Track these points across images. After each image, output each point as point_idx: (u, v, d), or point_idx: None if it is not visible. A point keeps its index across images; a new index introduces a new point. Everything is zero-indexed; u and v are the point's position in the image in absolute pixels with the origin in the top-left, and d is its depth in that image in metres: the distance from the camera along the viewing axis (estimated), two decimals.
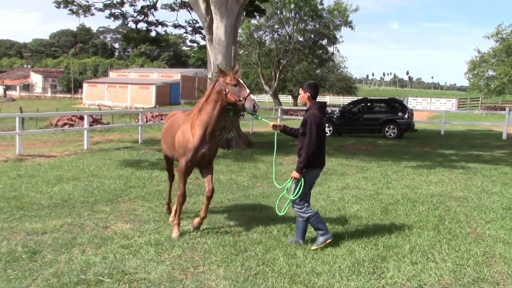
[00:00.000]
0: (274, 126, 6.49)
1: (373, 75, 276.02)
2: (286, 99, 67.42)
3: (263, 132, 24.92)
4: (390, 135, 22.72)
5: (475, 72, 61.65)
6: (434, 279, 5.11)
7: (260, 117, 6.88)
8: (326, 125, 23.74)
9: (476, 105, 63.18)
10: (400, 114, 23.02)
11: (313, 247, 5.98)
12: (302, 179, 6.04)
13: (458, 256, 5.80)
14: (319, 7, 38.55)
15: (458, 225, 7.25)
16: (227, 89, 6.41)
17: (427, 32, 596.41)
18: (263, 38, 42.47)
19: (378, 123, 23.03)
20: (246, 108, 6.31)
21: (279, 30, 40.93)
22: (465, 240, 6.52)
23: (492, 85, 59.11)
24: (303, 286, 4.82)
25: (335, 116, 23.81)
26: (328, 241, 6.02)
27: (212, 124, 6.59)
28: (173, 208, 7.16)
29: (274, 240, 6.31)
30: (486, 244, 6.37)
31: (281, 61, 41.88)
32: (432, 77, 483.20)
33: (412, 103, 64.09)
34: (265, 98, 65.93)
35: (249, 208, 8.12)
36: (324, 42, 40.99)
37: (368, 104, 24.57)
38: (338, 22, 39.31)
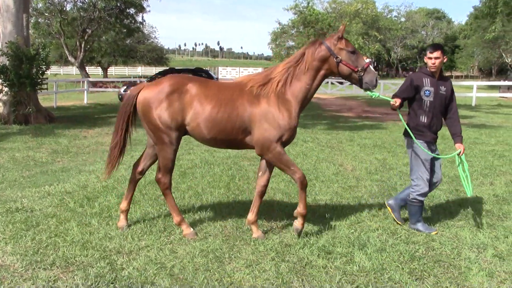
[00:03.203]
0: (396, 102, 5.50)
1: (185, 45, 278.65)
2: (95, 70, 64.65)
3: (69, 106, 23.77)
4: None
5: (277, 42, 66.17)
6: (219, 230, 5.68)
7: (377, 95, 5.57)
8: None
9: None
10: None
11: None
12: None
13: (242, 208, 6.48)
14: None
15: (246, 181, 8.03)
16: (339, 56, 5.18)
17: (236, 4, 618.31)
18: (65, 5, 39.81)
19: None
20: (365, 83, 5.16)
21: None
22: (251, 194, 7.27)
23: (292, 54, 64.30)
24: (95, 251, 4.97)
25: None
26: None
27: (309, 98, 5.36)
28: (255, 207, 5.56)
29: (70, 212, 6.28)
30: (268, 196, 7.20)
31: (86, 30, 39.84)
32: (241, 47, 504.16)
33: (222, 72, 66.66)
34: (72, 70, 62.37)
35: (45, 183, 7.88)
36: (132, 11, 40.04)
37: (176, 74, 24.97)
38: None
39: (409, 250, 5.06)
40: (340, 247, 5.13)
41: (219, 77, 44.90)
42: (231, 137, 5.27)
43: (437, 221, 6.06)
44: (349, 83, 5.86)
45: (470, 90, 28.34)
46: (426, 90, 5.53)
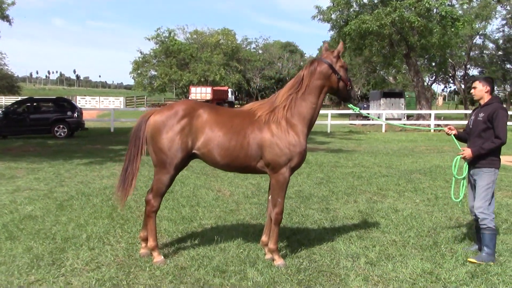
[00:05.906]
0: (450, 129, 6.10)
1: (37, 73, 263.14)
2: None
3: None
4: (60, 134, 22.55)
5: (139, 71, 65.74)
6: (110, 259, 5.66)
7: (358, 109, 5.86)
8: None
9: (142, 102, 67.42)
10: (69, 113, 23.09)
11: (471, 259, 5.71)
12: (466, 169, 5.93)
13: (130, 237, 6.51)
14: None
15: (129, 211, 8.01)
16: (340, 73, 5.45)
17: (92, 30, 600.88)
18: None
19: (47, 123, 22.60)
20: (352, 96, 5.68)
21: None
22: (136, 222, 7.30)
23: (155, 84, 64.16)
24: None
25: None
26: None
27: (315, 118, 5.51)
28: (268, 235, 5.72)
29: None
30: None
31: None
32: (100, 76, 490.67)
33: (81, 102, 64.15)
34: None
35: None
36: None
37: (35, 104, 23.78)
38: None
39: (295, 264, 5.54)
40: (233, 265, 5.44)
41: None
42: (244, 164, 5.42)
43: (314, 236, 6.66)
44: None
45: (325, 118, 30.64)
46: (470, 119, 6.11)
